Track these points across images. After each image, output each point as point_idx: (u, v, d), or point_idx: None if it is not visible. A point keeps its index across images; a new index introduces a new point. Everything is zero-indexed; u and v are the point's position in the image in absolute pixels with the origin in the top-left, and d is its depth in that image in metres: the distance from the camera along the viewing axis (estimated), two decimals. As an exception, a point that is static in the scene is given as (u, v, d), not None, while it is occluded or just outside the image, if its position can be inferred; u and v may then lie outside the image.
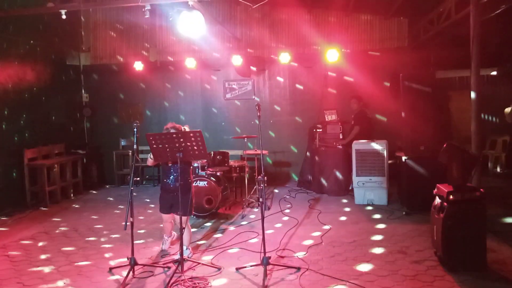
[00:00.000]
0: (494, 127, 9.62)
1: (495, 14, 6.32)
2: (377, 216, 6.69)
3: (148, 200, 8.44)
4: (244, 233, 5.99)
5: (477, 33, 5.79)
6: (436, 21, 7.70)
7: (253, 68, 9.93)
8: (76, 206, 8.20)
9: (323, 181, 8.42)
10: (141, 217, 7.11)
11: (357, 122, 8.21)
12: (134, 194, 8.22)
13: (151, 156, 4.88)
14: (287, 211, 7.18)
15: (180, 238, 4.60)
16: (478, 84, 5.94)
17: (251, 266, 4.64)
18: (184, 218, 4.65)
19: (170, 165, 4.99)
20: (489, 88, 10.04)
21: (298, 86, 9.85)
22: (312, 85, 9.71)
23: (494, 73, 10.08)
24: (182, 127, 5.17)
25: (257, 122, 4.87)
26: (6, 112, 7.93)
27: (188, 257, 4.88)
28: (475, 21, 5.80)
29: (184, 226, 4.61)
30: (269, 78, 10.02)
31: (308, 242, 5.49)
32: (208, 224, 6.59)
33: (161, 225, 6.59)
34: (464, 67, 6.50)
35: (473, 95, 5.91)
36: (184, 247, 4.81)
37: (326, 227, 6.14)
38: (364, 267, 4.60)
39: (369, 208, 7.19)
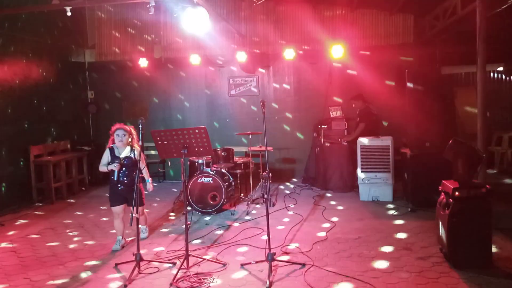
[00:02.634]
0: (500, 123, 9.55)
1: (501, 9, 6.27)
2: (382, 212, 6.68)
3: (152, 197, 8.47)
4: (249, 229, 6.01)
5: (483, 29, 5.75)
6: (442, 16, 7.65)
7: (258, 65, 9.90)
8: (82, 202, 8.25)
9: (328, 178, 8.41)
10: (147, 210, 7.13)
11: (363, 119, 8.18)
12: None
13: (102, 162, 5.38)
14: (292, 208, 7.18)
15: (185, 236, 4.63)
16: (484, 80, 5.90)
17: (256, 262, 4.65)
18: (140, 208, 5.39)
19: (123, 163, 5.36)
20: (495, 84, 9.98)
21: (302, 82, 9.81)
22: (316, 81, 9.67)
23: (501, 68, 10.01)
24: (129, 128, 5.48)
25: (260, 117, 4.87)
26: (12, 109, 7.98)
27: (144, 232, 5.78)
28: (481, 16, 5.76)
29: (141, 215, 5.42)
30: (273, 75, 10.00)
31: (313, 238, 5.50)
32: (213, 220, 6.61)
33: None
34: (470, 63, 6.47)
35: (479, 91, 5.87)
36: (142, 227, 5.74)
37: (331, 223, 6.14)
38: (369, 264, 4.60)
39: (374, 204, 7.18)
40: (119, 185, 5.36)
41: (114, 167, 5.27)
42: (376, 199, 7.39)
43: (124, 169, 5.33)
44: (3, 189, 7.65)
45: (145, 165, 5.55)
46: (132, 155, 5.34)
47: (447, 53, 9.06)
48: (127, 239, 5.62)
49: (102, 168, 5.39)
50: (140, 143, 4.79)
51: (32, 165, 8.11)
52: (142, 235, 5.65)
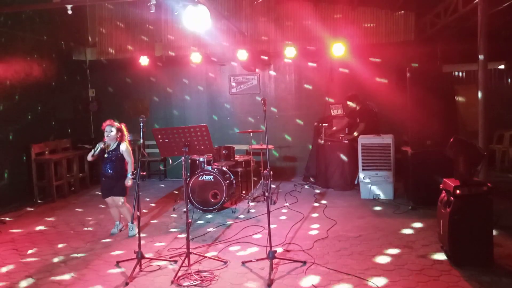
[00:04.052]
0: (501, 121, 9.54)
1: (502, 7, 6.25)
2: (383, 210, 6.68)
3: (154, 194, 8.49)
4: (250, 227, 6.02)
5: (485, 27, 5.74)
6: (443, 14, 7.63)
7: (259, 63, 9.89)
8: (83, 200, 8.27)
9: (329, 176, 8.40)
10: (145, 211, 7.15)
11: (363, 119, 8.17)
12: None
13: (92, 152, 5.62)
14: (293, 206, 7.19)
15: (187, 234, 4.64)
16: (485, 78, 5.89)
17: (257, 260, 4.66)
18: (122, 198, 5.76)
19: (106, 156, 5.71)
20: (496, 82, 9.96)
21: (303, 80, 9.79)
22: (317, 79, 9.67)
23: (502, 66, 9.98)
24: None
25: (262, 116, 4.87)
26: (13, 108, 7.98)
27: (132, 230, 5.81)
28: (482, 14, 5.74)
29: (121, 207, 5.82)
30: (274, 73, 9.99)
31: (314, 236, 5.50)
32: (214, 218, 6.62)
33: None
34: (471, 61, 6.45)
35: (480, 89, 5.87)
36: (129, 223, 5.89)
37: (332, 221, 6.14)
38: (370, 262, 4.60)
39: (375, 202, 7.19)
40: (103, 178, 5.80)
41: (101, 145, 5.65)
42: (377, 197, 7.39)
43: (109, 162, 5.72)
44: (4, 187, 7.68)
45: (132, 160, 5.84)
46: (117, 149, 5.71)
47: (448, 51, 9.04)
48: (123, 223, 6.12)
49: (88, 157, 5.75)
50: (141, 140, 4.79)
51: (33, 163, 8.11)
52: (130, 233, 5.84)
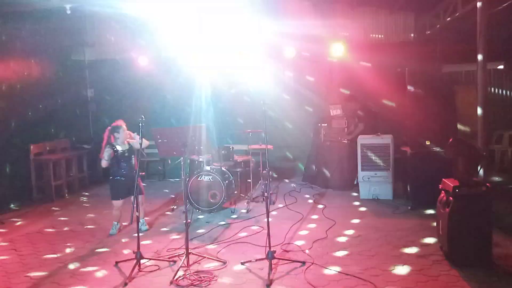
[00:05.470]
0: (500, 122, 9.55)
1: (502, 7, 6.26)
2: (382, 210, 6.68)
3: (153, 195, 8.47)
4: (249, 227, 6.01)
5: (484, 27, 5.75)
6: (443, 14, 7.64)
7: (258, 63, 9.86)
8: (82, 200, 8.26)
9: (328, 176, 8.40)
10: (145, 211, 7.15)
11: (362, 119, 8.17)
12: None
13: (105, 158, 5.66)
14: (292, 206, 7.18)
15: (186, 234, 4.63)
16: (484, 78, 5.90)
17: (256, 260, 4.65)
18: (141, 196, 5.86)
19: (126, 155, 5.81)
20: (496, 82, 9.97)
21: (303, 80, 9.79)
22: (317, 79, 9.66)
23: (501, 67, 10.00)
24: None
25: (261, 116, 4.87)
26: (12, 108, 7.97)
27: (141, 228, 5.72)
28: (482, 14, 5.75)
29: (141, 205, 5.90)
30: (274, 72, 9.96)
31: (313, 236, 5.50)
32: (213, 218, 6.61)
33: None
34: (471, 61, 6.45)
35: (479, 89, 5.87)
36: (142, 220, 5.95)
37: (331, 221, 6.14)
38: (369, 262, 4.60)
39: (374, 203, 7.18)
40: (120, 178, 5.80)
41: (111, 149, 5.67)
42: (376, 197, 7.39)
43: (126, 161, 5.80)
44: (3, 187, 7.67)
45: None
46: (131, 147, 5.89)
47: (447, 51, 9.05)
48: (122, 223, 6.16)
49: (103, 163, 5.75)
50: (140, 141, 4.79)
51: (32, 163, 8.11)
52: (143, 228, 5.89)
